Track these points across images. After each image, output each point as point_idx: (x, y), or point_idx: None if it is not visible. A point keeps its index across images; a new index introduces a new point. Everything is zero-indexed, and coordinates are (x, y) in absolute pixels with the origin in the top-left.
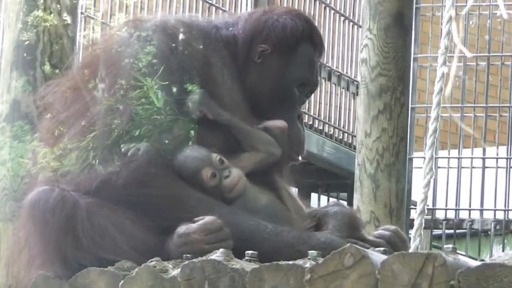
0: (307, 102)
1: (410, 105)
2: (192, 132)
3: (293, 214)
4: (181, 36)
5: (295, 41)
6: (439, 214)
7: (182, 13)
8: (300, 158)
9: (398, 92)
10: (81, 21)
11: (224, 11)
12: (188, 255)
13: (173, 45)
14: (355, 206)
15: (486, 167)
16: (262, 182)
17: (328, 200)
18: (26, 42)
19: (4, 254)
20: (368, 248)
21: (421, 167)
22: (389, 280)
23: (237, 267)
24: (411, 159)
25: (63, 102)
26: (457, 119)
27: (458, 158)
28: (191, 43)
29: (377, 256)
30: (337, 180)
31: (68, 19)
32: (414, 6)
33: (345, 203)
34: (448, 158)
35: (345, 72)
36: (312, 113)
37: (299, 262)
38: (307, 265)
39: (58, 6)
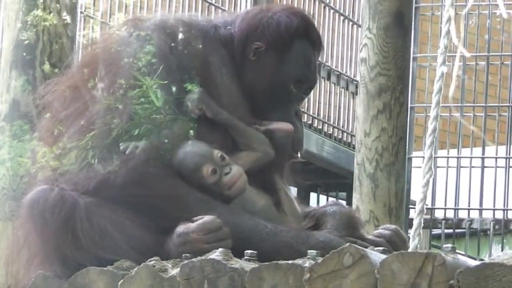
0: (306, 101)
1: (409, 105)
2: (191, 131)
3: (289, 217)
4: (180, 36)
5: (289, 37)
6: (438, 214)
7: (182, 13)
8: (299, 155)
9: (398, 91)
10: (80, 21)
11: (224, 10)
12: (187, 254)
13: (173, 44)
14: (354, 206)
15: (485, 167)
16: (261, 184)
17: (328, 199)
18: (26, 42)
19: (3, 254)
20: (367, 247)
21: (420, 167)
22: (388, 279)
23: (237, 267)
24: (410, 159)
25: (62, 102)
26: (458, 118)
27: (457, 158)
28: (190, 42)
29: (376, 255)
30: (337, 179)
31: (67, 18)
32: (414, 5)
33: (344, 202)
34: (447, 157)
35: (344, 71)
36: (311, 113)
37: (299, 261)
38: (307, 264)
39: (58, 5)
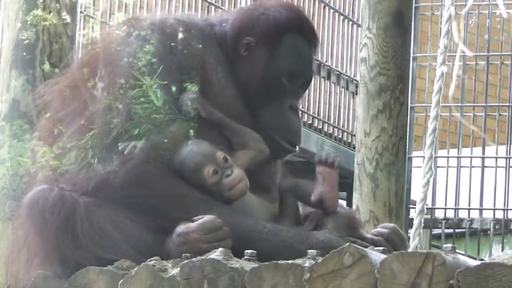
0: (306, 101)
1: (409, 104)
2: (191, 130)
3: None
4: (179, 35)
5: (279, 31)
6: (439, 214)
7: (181, 12)
8: (296, 148)
9: (398, 91)
10: (80, 20)
11: (223, 9)
12: (187, 254)
13: (172, 44)
14: (354, 206)
15: (486, 167)
16: (256, 185)
17: None
18: (26, 41)
19: (3, 253)
20: (367, 248)
21: (420, 166)
22: (389, 279)
23: (236, 266)
24: (410, 158)
25: (62, 101)
26: (458, 117)
27: (458, 158)
28: (189, 42)
29: (376, 255)
30: None
31: (67, 18)
32: (414, 5)
33: (344, 202)
34: (448, 157)
35: (344, 71)
36: (311, 112)
37: (299, 261)
38: (307, 264)
39: (58, 5)
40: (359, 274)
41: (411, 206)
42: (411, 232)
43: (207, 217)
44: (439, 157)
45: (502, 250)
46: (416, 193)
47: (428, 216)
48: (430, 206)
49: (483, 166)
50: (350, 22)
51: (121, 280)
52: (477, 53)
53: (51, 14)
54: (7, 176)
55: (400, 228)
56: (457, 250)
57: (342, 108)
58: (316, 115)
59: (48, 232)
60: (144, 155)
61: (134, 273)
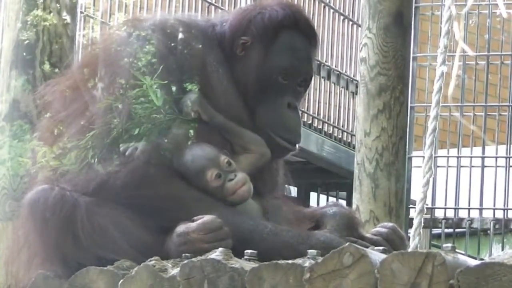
0: (306, 101)
1: (409, 104)
2: (191, 131)
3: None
4: (180, 36)
5: (274, 29)
6: (439, 213)
7: (182, 13)
8: (296, 147)
9: (398, 91)
10: (80, 20)
11: (223, 10)
12: (187, 254)
13: (172, 44)
14: (354, 205)
15: (486, 166)
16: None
17: (328, 199)
18: (26, 41)
19: (3, 253)
20: (367, 247)
21: (420, 166)
22: (389, 279)
23: (237, 266)
24: (410, 158)
25: (62, 101)
26: (458, 117)
27: (458, 157)
28: (190, 42)
29: (376, 255)
30: (336, 179)
31: (67, 18)
32: (414, 5)
33: (344, 202)
34: (448, 157)
35: (344, 71)
36: (311, 112)
37: (299, 261)
38: (307, 264)
39: (58, 5)
40: (359, 274)
41: (411, 206)
42: (411, 231)
43: (207, 217)
44: (439, 157)
45: (502, 249)
46: (416, 193)
47: (428, 216)
48: (430, 205)
49: (483, 166)
50: (350, 22)
51: (121, 280)
52: (477, 53)
53: (51, 14)
54: (8, 176)
55: (400, 228)
56: (457, 250)
57: (342, 108)
58: (316, 115)
59: (48, 232)
60: (145, 156)
61: (134, 273)
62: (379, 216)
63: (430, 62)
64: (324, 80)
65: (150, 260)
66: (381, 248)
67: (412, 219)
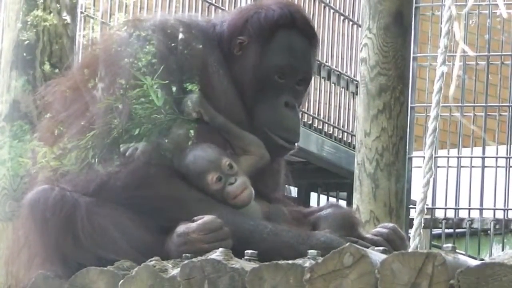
0: (306, 101)
1: (409, 105)
2: (192, 131)
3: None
4: (180, 36)
5: (270, 29)
6: (439, 214)
7: (182, 13)
8: (295, 146)
9: (398, 91)
10: (80, 21)
11: (223, 10)
12: (187, 254)
13: (173, 44)
14: (354, 206)
15: (486, 166)
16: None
17: (328, 199)
18: (26, 42)
19: (3, 254)
20: (367, 248)
21: (420, 166)
22: (389, 279)
23: (237, 267)
24: (410, 159)
25: (62, 102)
26: (458, 117)
27: (458, 157)
28: (190, 42)
29: (376, 255)
30: (337, 179)
31: (67, 18)
32: (414, 5)
33: (344, 202)
34: (448, 157)
35: (344, 71)
36: (311, 113)
37: (299, 261)
38: (307, 264)
39: (58, 5)
40: (360, 274)
41: (411, 206)
42: (412, 232)
43: (207, 217)
44: (439, 157)
45: (503, 250)
46: (416, 193)
47: (428, 216)
48: (430, 206)
49: (483, 166)
50: (350, 22)
51: (122, 281)
52: (477, 53)
53: (52, 14)
54: (8, 177)
55: (401, 228)
56: (457, 250)
57: (342, 108)
58: (316, 115)
59: (48, 232)
60: (145, 157)
61: (135, 273)
62: (379, 217)
63: (430, 62)
64: (324, 81)
65: (151, 261)
66: (381, 248)
67: (413, 219)
